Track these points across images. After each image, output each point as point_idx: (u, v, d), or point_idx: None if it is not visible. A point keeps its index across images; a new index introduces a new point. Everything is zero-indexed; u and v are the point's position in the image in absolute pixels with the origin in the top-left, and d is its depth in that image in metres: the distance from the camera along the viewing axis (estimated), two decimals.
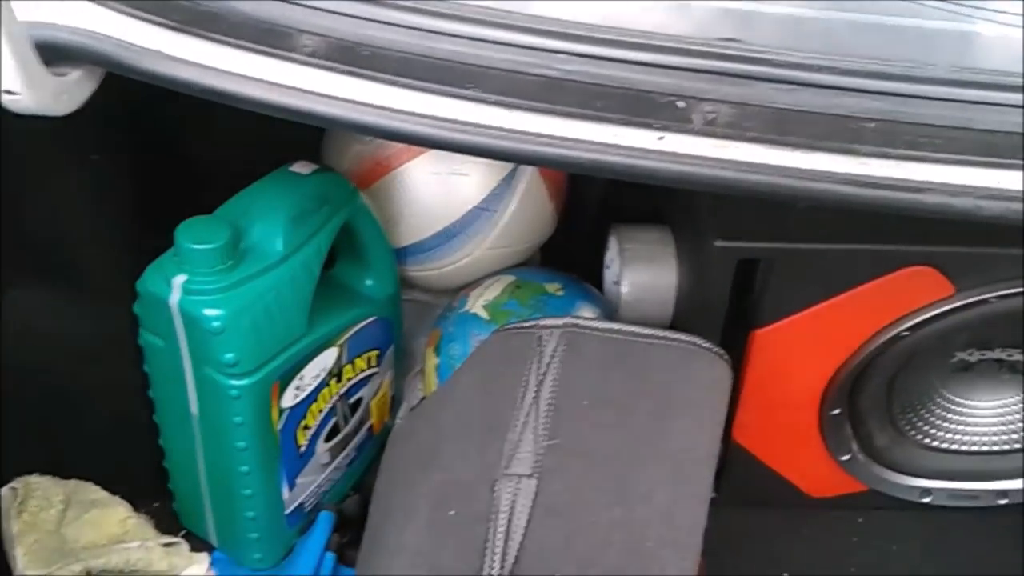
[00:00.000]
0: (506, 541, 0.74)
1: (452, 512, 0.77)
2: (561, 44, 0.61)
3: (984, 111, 0.59)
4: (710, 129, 0.61)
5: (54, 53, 0.66)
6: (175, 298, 0.81)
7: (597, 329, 0.83)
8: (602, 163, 0.60)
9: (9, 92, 0.63)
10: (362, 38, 0.63)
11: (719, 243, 0.85)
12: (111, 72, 0.69)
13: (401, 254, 1.02)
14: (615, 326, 0.83)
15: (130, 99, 0.82)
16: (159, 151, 0.90)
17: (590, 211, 1.12)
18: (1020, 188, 0.58)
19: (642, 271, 1.03)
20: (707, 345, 0.82)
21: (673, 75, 0.60)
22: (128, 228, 0.87)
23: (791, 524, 1.08)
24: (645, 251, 1.04)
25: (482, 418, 0.81)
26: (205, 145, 0.93)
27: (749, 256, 0.85)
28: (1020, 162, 0.59)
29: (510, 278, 1.02)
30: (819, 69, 0.60)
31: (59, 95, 0.66)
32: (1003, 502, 1.05)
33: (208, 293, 0.80)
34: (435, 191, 0.99)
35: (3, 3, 0.58)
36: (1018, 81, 0.59)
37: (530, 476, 0.77)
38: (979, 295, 0.86)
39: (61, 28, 0.66)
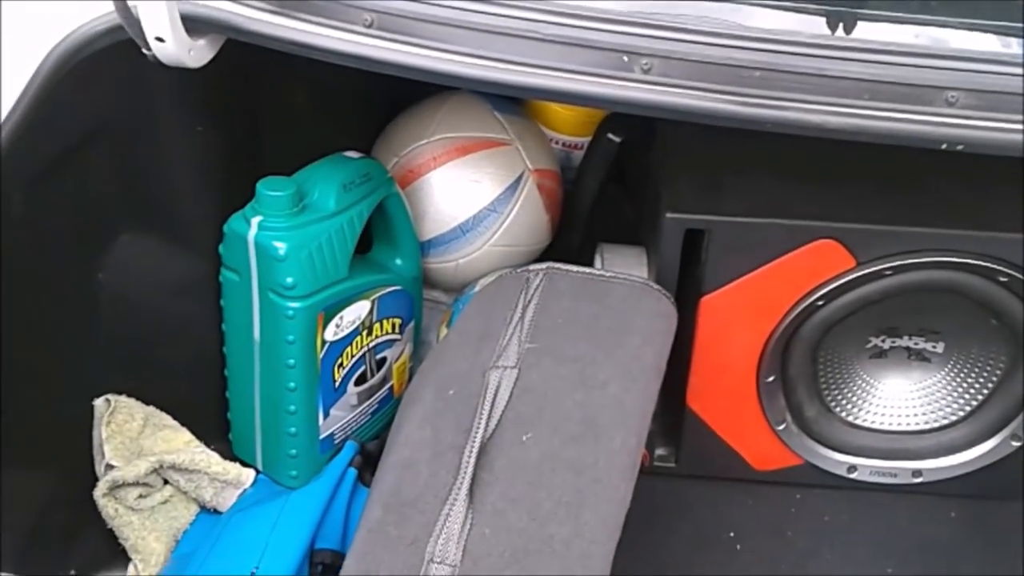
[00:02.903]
0: (490, 411, 0.96)
1: (452, 392, 0.99)
2: (543, 16, 0.88)
3: (836, 63, 0.84)
4: (646, 77, 0.87)
5: (191, 23, 0.93)
6: (252, 234, 1.06)
7: (571, 271, 1.07)
8: (569, 89, 0.86)
9: (159, 39, 0.90)
10: (404, 12, 0.90)
11: (669, 215, 1.09)
12: (223, 54, 0.97)
13: (424, 247, 1.27)
14: (585, 269, 1.07)
15: (234, 91, 1.10)
16: (250, 133, 1.17)
17: (579, 232, 1.37)
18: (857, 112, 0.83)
19: None
20: (657, 287, 1.06)
21: (620, 37, 0.87)
22: (218, 188, 1.13)
23: (739, 494, 1.28)
24: (622, 263, 1.28)
25: (479, 331, 1.04)
26: (284, 137, 1.20)
27: (694, 226, 1.09)
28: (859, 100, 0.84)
29: (509, 269, 1.26)
30: (719, 34, 0.86)
31: (191, 51, 0.93)
32: (918, 480, 1.24)
33: (277, 230, 1.06)
34: (454, 194, 1.25)
35: None
36: (855, 44, 0.85)
37: (513, 367, 0.99)
38: (876, 266, 1.09)
39: (200, 5, 0.94)
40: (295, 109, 1.21)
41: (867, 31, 0.90)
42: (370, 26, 0.91)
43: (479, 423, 0.95)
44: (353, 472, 1.15)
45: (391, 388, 1.26)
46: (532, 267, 1.08)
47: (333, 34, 0.92)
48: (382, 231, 1.21)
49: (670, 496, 1.27)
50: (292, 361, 1.10)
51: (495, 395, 0.97)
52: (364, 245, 1.18)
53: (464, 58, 0.89)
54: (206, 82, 1.00)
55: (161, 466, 1.11)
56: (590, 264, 1.31)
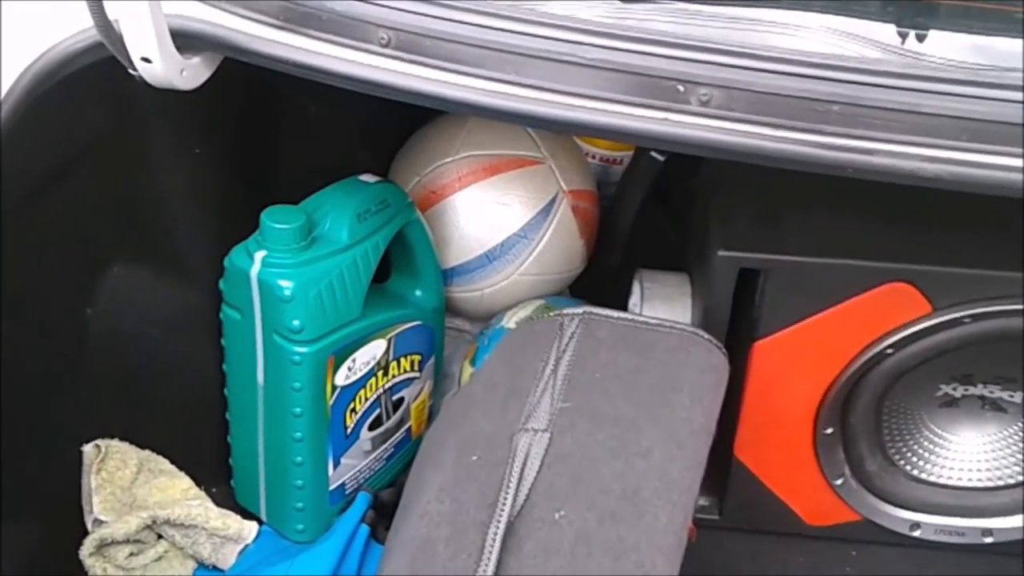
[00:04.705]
0: (519, 482, 0.85)
1: (475, 457, 0.88)
2: (584, 38, 0.76)
3: (928, 98, 0.72)
4: (704, 110, 0.75)
5: (184, 40, 0.82)
6: (255, 270, 0.95)
7: (611, 317, 0.95)
8: (616, 126, 0.75)
9: (145, 60, 0.79)
10: (426, 31, 0.79)
11: (722, 252, 0.97)
12: (222, 67, 0.86)
13: (448, 275, 1.16)
14: (626, 315, 0.95)
15: (234, 108, 0.99)
16: (253, 155, 1.06)
17: (616, 256, 1.26)
18: (955, 156, 0.71)
19: (660, 309, 1.16)
20: (707, 336, 0.94)
21: (675, 64, 0.75)
22: (218, 217, 1.02)
23: (789, 551, 1.16)
24: (664, 292, 1.17)
25: (507, 386, 0.92)
26: (292, 158, 1.09)
27: (748, 265, 0.98)
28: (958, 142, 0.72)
29: (541, 301, 1.15)
30: (792, 62, 0.74)
31: (183, 72, 0.82)
32: (988, 540, 1.13)
33: (283, 267, 0.95)
34: (480, 218, 1.14)
35: None
36: (956, 75, 0.73)
37: (545, 431, 0.88)
38: (954, 313, 0.97)
39: (192, 19, 0.82)
40: (305, 126, 1.10)
41: (965, 54, 0.78)
42: (387, 45, 0.80)
43: (506, 497, 0.84)
44: (366, 530, 1.04)
45: (409, 430, 1.15)
46: (567, 311, 0.97)
47: (344, 54, 0.80)
48: (401, 259, 1.10)
49: (712, 550, 1.15)
50: (299, 409, 0.99)
51: (524, 463, 0.86)
52: (381, 273, 1.07)
53: (494, 84, 0.78)
54: (204, 99, 0.89)
55: (155, 522, 1.01)
56: (627, 289, 1.21)
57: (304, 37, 0.81)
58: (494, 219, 1.14)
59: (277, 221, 0.95)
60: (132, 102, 0.91)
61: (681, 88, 0.75)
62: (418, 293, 1.11)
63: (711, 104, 0.75)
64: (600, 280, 1.26)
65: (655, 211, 1.28)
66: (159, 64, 0.79)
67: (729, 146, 0.74)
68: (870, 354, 1.00)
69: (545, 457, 0.86)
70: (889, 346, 1.00)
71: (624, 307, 1.22)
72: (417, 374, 1.12)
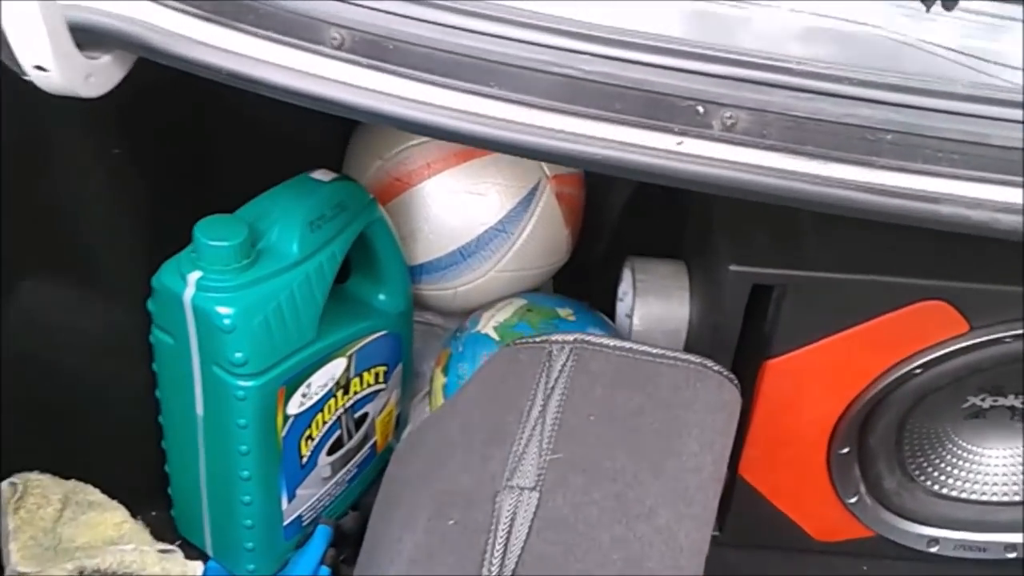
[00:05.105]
0: (504, 553, 0.73)
1: (452, 521, 0.76)
2: (583, 45, 0.62)
3: (1001, 127, 0.59)
4: (729, 135, 0.61)
5: (87, 36, 0.67)
6: (189, 294, 0.81)
7: (607, 346, 0.82)
8: (621, 160, 0.61)
9: (40, 68, 0.64)
10: (390, 32, 0.64)
11: (733, 267, 0.84)
12: (140, 64, 0.70)
13: (416, 272, 1.02)
14: (625, 344, 0.82)
15: (157, 94, 0.83)
16: (182, 150, 0.91)
17: (604, 242, 1.12)
18: None
19: (655, 304, 1.03)
20: (717, 368, 0.81)
21: (694, 79, 0.61)
22: (145, 225, 0.87)
23: (796, 568, 1.06)
24: (659, 285, 1.04)
25: (487, 429, 0.80)
26: (228, 149, 0.94)
27: (763, 282, 0.85)
28: None
29: (522, 301, 1.02)
30: (838, 79, 0.60)
31: (88, 77, 0.67)
32: (1012, 555, 1.04)
33: (222, 290, 0.81)
34: (453, 210, 0.99)
35: None
36: None
37: (532, 489, 0.76)
38: (994, 334, 0.86)
39: (96, 11, 0.67)
40: (245, 115, 0.94)
41: None
42: (340, 47, 0.65)
43: (489, 573, 0.72)
44: (326, 573, 0.92)
45: (374, 445, 1.03)
46: (555, 337, 0.83)
47: (286, 57, 0.65)
48: (362, 260, 0.96)
49: (714, 565, 1.05)
50: (245, 448, 0.86)
51: (509, 530, 0.74)
52: (339, 274, 0.93)
53: (471, 100, 0.63)
54: (121, 91, 0.74)
55: (82, 574, 0.88)
56: (616, 278, 1.08)
57: (237, 33, 0.66)
58: (468, 211, 0.99)
59: (213, 237, 0.80)
60: (35, 98, 0.75)
61: (701, 109, 0.61)
62: (382, 297, 0.98)
63: (737, 129, 0.61)
64: (586, 270, 1.13)
65: (646, 190, 1.14)
66: (56, 73, 0.64)
67: (758, 187, 0.60)
68: (897, 374, 0.89)
69: (533, 522, 0.74)
70: (919, 366, 0.88)
71: (613, 298, 1.09)
72: (382, 386, 0.99)
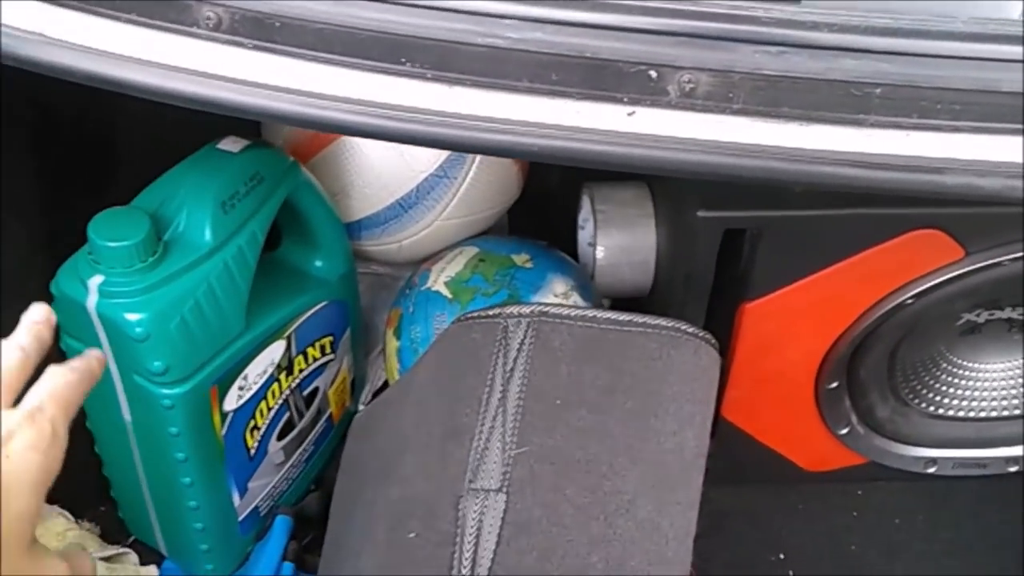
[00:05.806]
0: (473, 566, 0.66)
1: (412, 534, 0.68)
2: (508, 7, 0.51)
3: (1014, 69, 0.49)
4: (688, 102, 0.51)
5: None
6: (92, 301, 0.71)
7: (568, 317, 0.73)
8: (563, 149, 0.51)
9: None
10: (275, 8, 0.53)
11: (702, 213, 0.76)
12: None
13: (354, 228, 0.92)
14: (588, 313, 0.73)
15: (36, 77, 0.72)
16: (67, 131, 0.80)
17: (559, 167, 1.03)
18: None
19: (617, 234, 0.95)
20: (691, 330, 0.73)
21: (642, 40, 0.51)
22: (39, 224, 0.77)
23: (786, 500, 1.01)
24: (620, 212, 0.96)
25: (444, 424, 0.72)
26: (120, 123, 0.83)
27: (736, 226, 0.76)
28: None
29: (474, 250, 0.92)
30: (814, 26, 0.50)
31: None
32: (1013, 469, 0.98)
33: (128, 295, 0.71)
34: (388, 159, 0.89)
35: None
36: None
37: (498, 491, 0.68)
38: (991, 258, 0.78)
39: None
40: None
41: None
42: (217, 28, 0.54)
43: None
44: (289, 568, 0.86)
45: (330, 417, 0.95)
46: (511, 310, 0.75)
47: (152, 48, 0.54)
48: (292, 225, 0.87)
49: (703, 508, 0.99)
50: (182, 455, 0.78)
51: (476, 540, 0.67)
52: (269, 241, 0.83)
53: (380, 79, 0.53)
54: None
55: None
56: (572, 210, 0.99)
57: (90, 16, 0.55)
58: (403, 159, 0.89)
59: (110, 236, 0.70)
60: None
61: (654, 74, 0.51)
62: (319, 264, 0.88)
63: (697, 94, 0.51)
64: (543, 200, 1.04)
65: None
66: None
67: (727, 169, 0.51)
68: (887, 307, 0.82)
69: (502, 528, 0.67)
70: (911, 296, 0.80)
71: (573, 230, 1.00)
72: (331, 357, 0.91)
